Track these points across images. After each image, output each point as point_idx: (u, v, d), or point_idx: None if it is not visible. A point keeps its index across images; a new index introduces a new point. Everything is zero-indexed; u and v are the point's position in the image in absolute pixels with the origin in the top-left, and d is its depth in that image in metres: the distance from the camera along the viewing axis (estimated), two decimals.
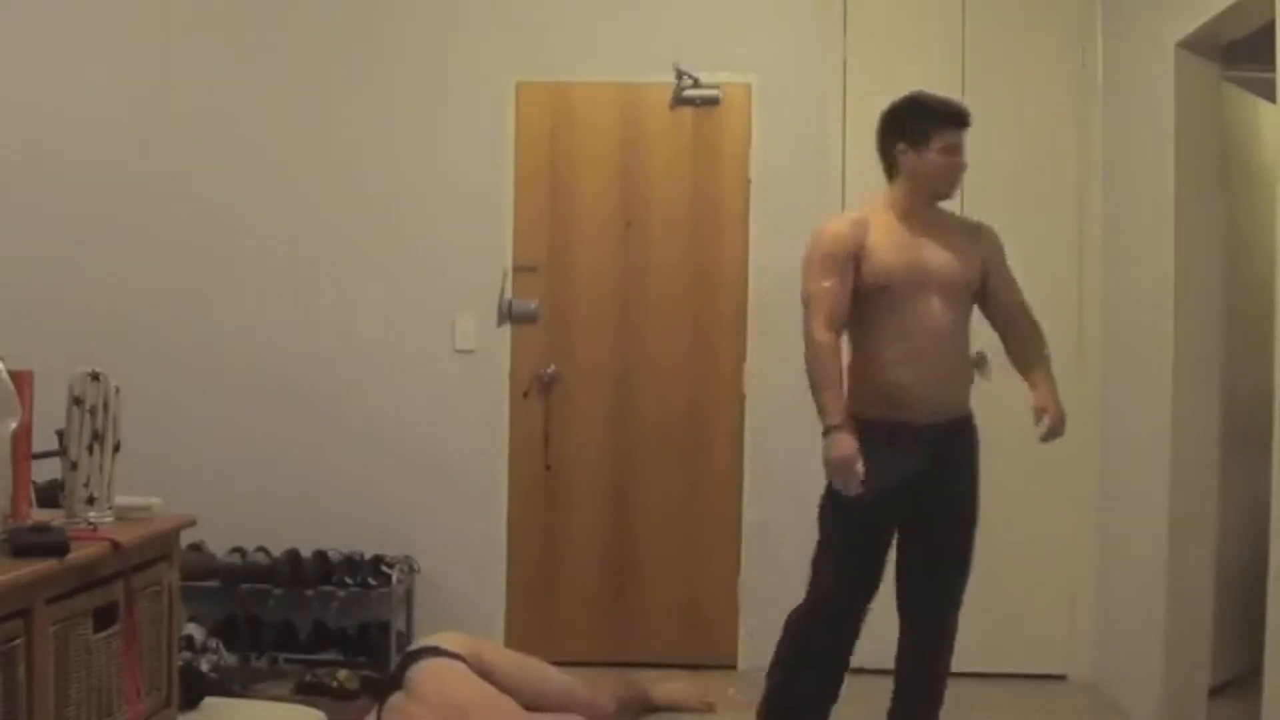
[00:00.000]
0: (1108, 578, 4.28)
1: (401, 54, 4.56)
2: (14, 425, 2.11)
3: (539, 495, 4.55)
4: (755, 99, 4.51)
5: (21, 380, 2.18)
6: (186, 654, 3.69)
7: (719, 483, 4.51)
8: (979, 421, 4.49)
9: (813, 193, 4.49)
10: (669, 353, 4.53)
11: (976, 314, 4.55)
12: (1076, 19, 4.47)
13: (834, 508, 3.13)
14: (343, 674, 4.02)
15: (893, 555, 3.30)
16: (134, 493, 2.49)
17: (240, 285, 4.56)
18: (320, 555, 4.32)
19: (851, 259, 3.03)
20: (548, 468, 4.54)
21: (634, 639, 4.50)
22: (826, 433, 3.02)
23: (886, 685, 4.38)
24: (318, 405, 4.53)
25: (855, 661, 4.49)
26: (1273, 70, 3.16)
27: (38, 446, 2.28)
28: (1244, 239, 4.09)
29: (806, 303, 3.06)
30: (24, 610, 1.92)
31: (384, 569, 4.28)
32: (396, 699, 3.06)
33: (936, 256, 3.08)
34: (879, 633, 4.51)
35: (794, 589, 4.45)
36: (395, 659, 3.72)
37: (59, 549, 2.02)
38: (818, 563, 3.26)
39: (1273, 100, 3.65)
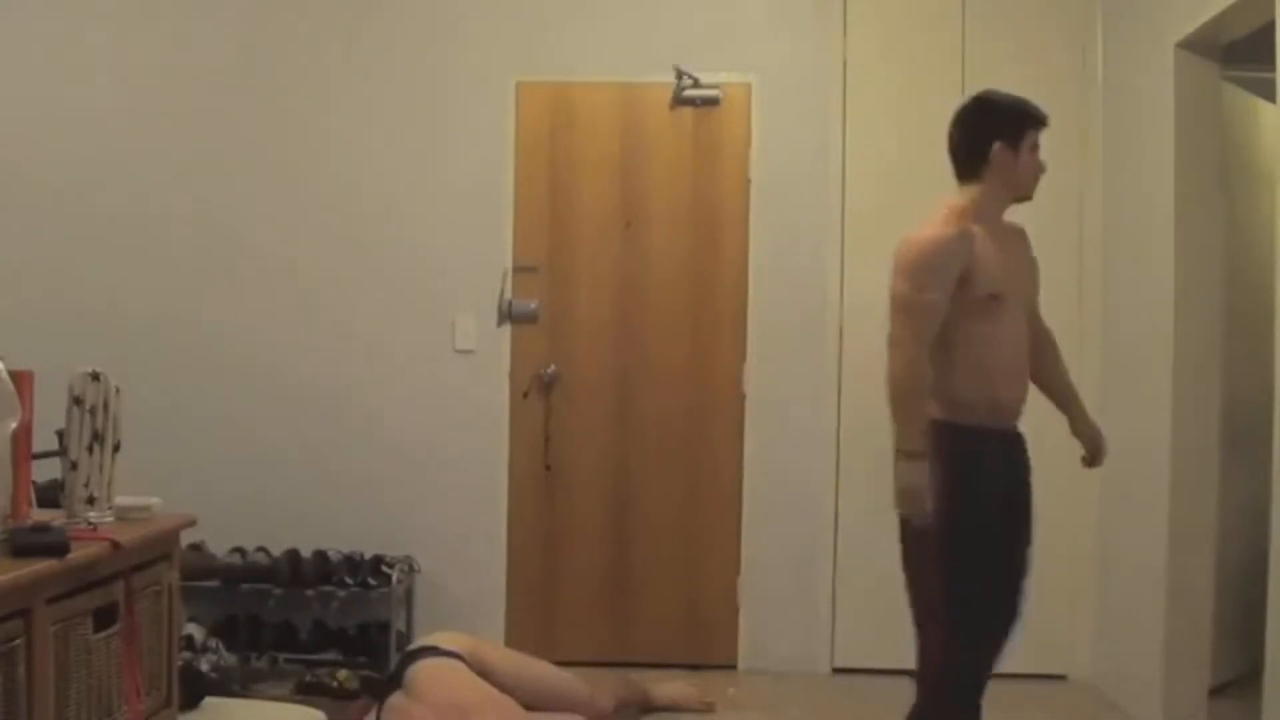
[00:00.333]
0: (1108, 578, 4.29)
1: (402, 54, 4.56)
2: (14, 425, 2.11)
3: (539, 495, 4.55)
4: (755, 99, 4.51)
5: (21, 380, 2.18)
6: (186, 654, 3.69)
7: (719, 483, 4.51)
8: None
9: (813, 193, 4.50)
10: (669, 353, 4.53)
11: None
12: (1076, 19, 4.47)
13: (957, 536, 2.85)
14: (343, 674, 4.01)
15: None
16: (134, 493, 2.49)
17: (241, 286, 4.56)
18: (320, 555, 4.32)
19: (959, 272, 2.88)
20: (548, 468, 4.54)
21: (634, 639, 4.50)
22: (909, 457, 2.85)
23: (888, 686, 4.39)
24: (318, 405, 4.53)
25: (866, 663, 4.50)
26: (1273, 70, 3.16)
27: (38, 446, 2.27)
28: (1244, 239, 4.09)
29: (904, 311, 2.90)
30: (24, 610, 1.92)
31: (384, 569, 4.28)
32: (396, 698, 3.06)
33: (1017, 263, 3.02)
34: (881, 634, 4.52)
35: (794, 588, 4.48)
36: (395, 659, 3.71)
37: (59, 549, 2.02)
38: (952, 605, 2.90)
39: (1273, 100, 3.65)
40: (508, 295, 4.51)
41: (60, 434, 2.32)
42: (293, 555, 4.30)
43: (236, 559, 4.33)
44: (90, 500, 2.32)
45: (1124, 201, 4.25)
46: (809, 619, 4.47)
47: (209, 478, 4.40)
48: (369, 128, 4.56)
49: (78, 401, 2.32)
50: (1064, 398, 3.19)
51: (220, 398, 4.54)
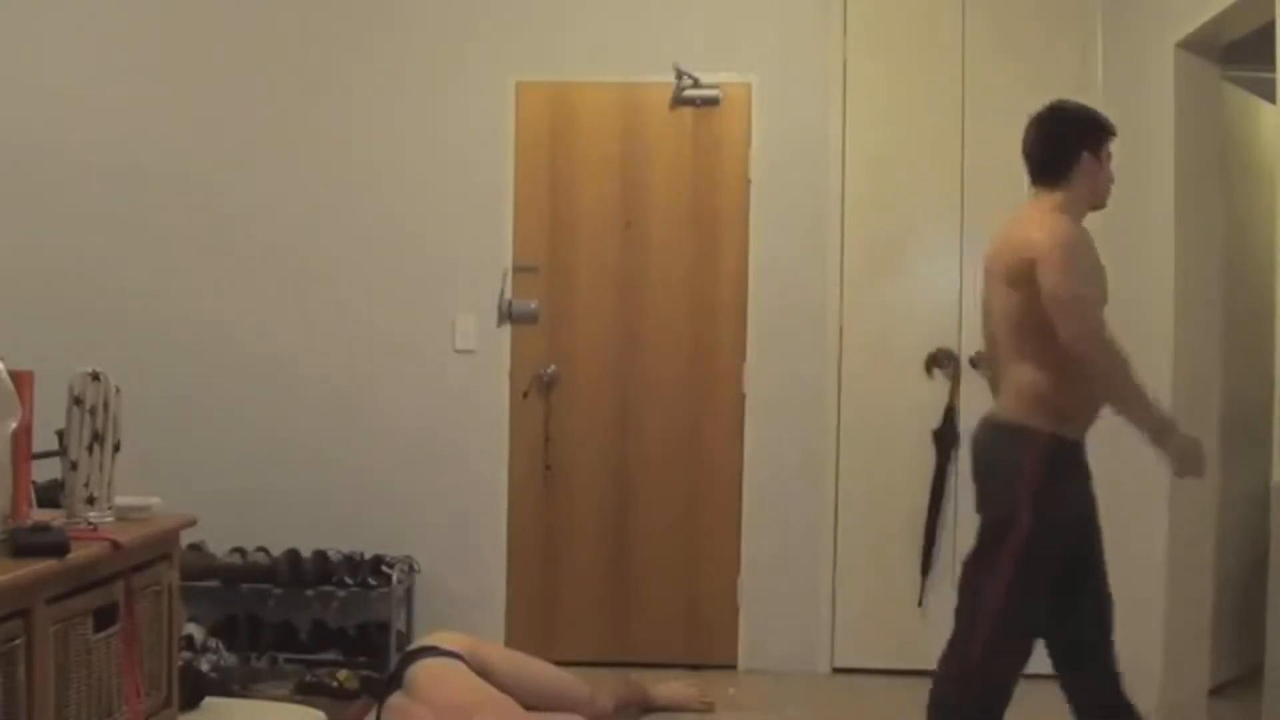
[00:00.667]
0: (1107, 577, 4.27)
1: (402, 54, 4.56)
2: (14, 425, 2.11)
3: (539, 495, 4.54)
4: (755, 99, 4.51)
5: (21, 380, 2.19)
6: (186, 654, 3.69)
7: (719, 483, 4.51)
8: (976, 422, 4.50)
9: (813, 193, 4.50)
10: (669, 353, 4.53)
11: (978, 314, 4.56)
12: (1076, 19, 4.47)
13: (1043, 542, 2.80)
14: (343, 674, 4.01)
15: None
16: (134, 493, 2.49)
17: (241, 286, 4.56)
18: (320, 555, 4.32)
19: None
20: (548, 468, 4.54)
21: (634, 639, 4.50)
22: (1168, 430, 2.75)
23: (888, 686, 4.39)
24: (318, 405, 4.53)
25: (866, 663, 4.50)
26: (1273, 70, 3.16)
27: (38, 446, 2.28)
28: (1244, 239, 4.09)
29: (1076, 302, 2.75)
30: (24, 610, 1.92)
31: (384, 569, 4.27)
32: (396, 699, 3.06)
33: None
34: (881, 634, 4.52)
35: (794, 588, 4.48)
36: (395, 659, 3.71)
37: (59, 549, 2.02)
38: (1007, 611, 2.88)
39: (1273, 100, 3.65)
40: (508, 295, 4.51)
41: (60, 434, 2.32)
42: (293, 555, 4.30)
43: (236, 559, 4.33)
44: (90, 500, 2.32)
45: (1124, 201, 4.24)
46: (809, 619, 4.47)
47: (209, 478, 4.40)
48: (369, 127, 4.56)
49: (78, 401, 2.32)
50: None
51: (220, 398, 4.54)
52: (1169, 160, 3.79)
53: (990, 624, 2.88)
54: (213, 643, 4.11)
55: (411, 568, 4.40)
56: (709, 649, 4.50)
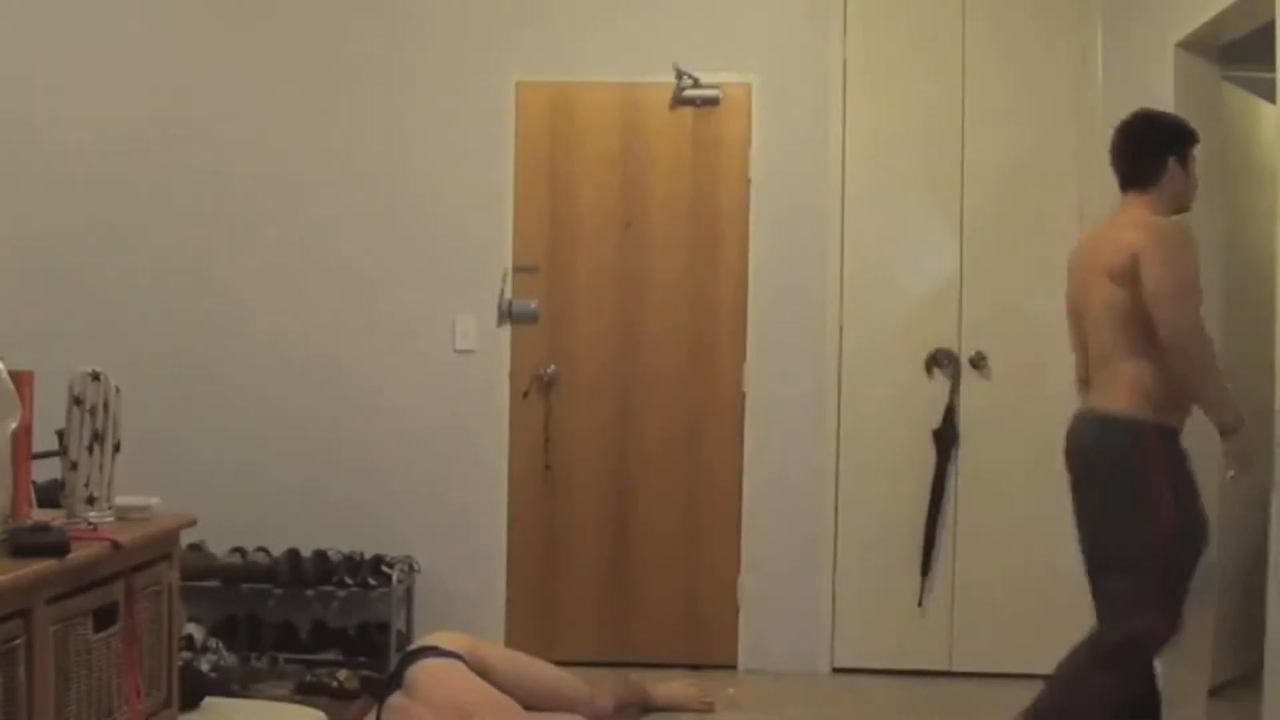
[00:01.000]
0: None
1: (402, 54, 4.56)
2: (14, 425, 2.12)
3: (539, 495, 4.54)
4: (755, 99, 4.51)
5: (21, 380, 2.19)
6: (186, 654, 3.69)
7: (719, 483, 4.51)
8: (976, 422, 4.52)
9: (812, 193, 4.50)
10: (669, 353, 4.53)
11: (978, 314, 4.58)
12: (1076, 19, 4.47)
13: (1191, 529, 2.99)
14: (343, 674, 4.01)
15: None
16: (134, 493, 2.49)
17: (240, 287, 4.56)
18: (320, 555, 4.32)
19: None
20: (548, 468, 4.54)
21: (634, 639, 4.50)
22: (1239, 428, 2.89)
23: (888, 686, 4.39)
24: (319, 405, 4.53)
25: (866, 663, 4.51)
26: (1273, 70, 3.16)
27: (38, 446, 2.28)
28: (1244, 238, 4.09)
29: (1174, 297, 2.87)
30: (24, 610, 1.92)
31: (384, 569, 4.27)
32: (396, 699, 3.06)
33: None
34: (881, 634, 4.53)
35: (794, 588, 4.48)
36: (395, 659, 3.71)
37: (59, 549, 2.02)
38: (1155, 599, 3.04)
39: (1273, 100, 3.65)
40: (508, 295, 4.51)
41: (60, 434, 2.32)
42: (293, 555, 4.31)
43: (236, 559, 4.33)
44: (90, 500, 2.32)
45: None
46: (809, 619, 4.47)
47: (209, 478, 4.40)
48: (369, 127, 4.56)
49: (78, 401, 2.32)
50: None
51: (220, 398, 4.54)
52: None
53: (1148, 611, 3.04)
54: (213, 643, 4.11)
55: (411, 568, 4.40)
56: (709, 649, 4.50)
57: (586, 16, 4.55)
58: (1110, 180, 4.35)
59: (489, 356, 4.52)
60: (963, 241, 4.48)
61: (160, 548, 2.46)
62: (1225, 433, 2.90)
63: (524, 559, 4.54)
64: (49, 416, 2.31)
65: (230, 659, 4.13)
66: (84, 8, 4.58)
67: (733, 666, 4.48)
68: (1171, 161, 3.10)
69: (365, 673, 4.06)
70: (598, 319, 4.54)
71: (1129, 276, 2.92)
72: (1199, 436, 3.11)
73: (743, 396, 4.51)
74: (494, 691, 3.09)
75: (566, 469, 4.54)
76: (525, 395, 4.54)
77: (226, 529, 4.31)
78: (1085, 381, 3.21)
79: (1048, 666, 4.42)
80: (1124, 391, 2.99)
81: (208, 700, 3.01)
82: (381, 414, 4.53)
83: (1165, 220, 3.03)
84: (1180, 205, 3.16)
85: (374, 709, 3.21)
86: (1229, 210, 3.92)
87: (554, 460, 4.53)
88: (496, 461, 4.52)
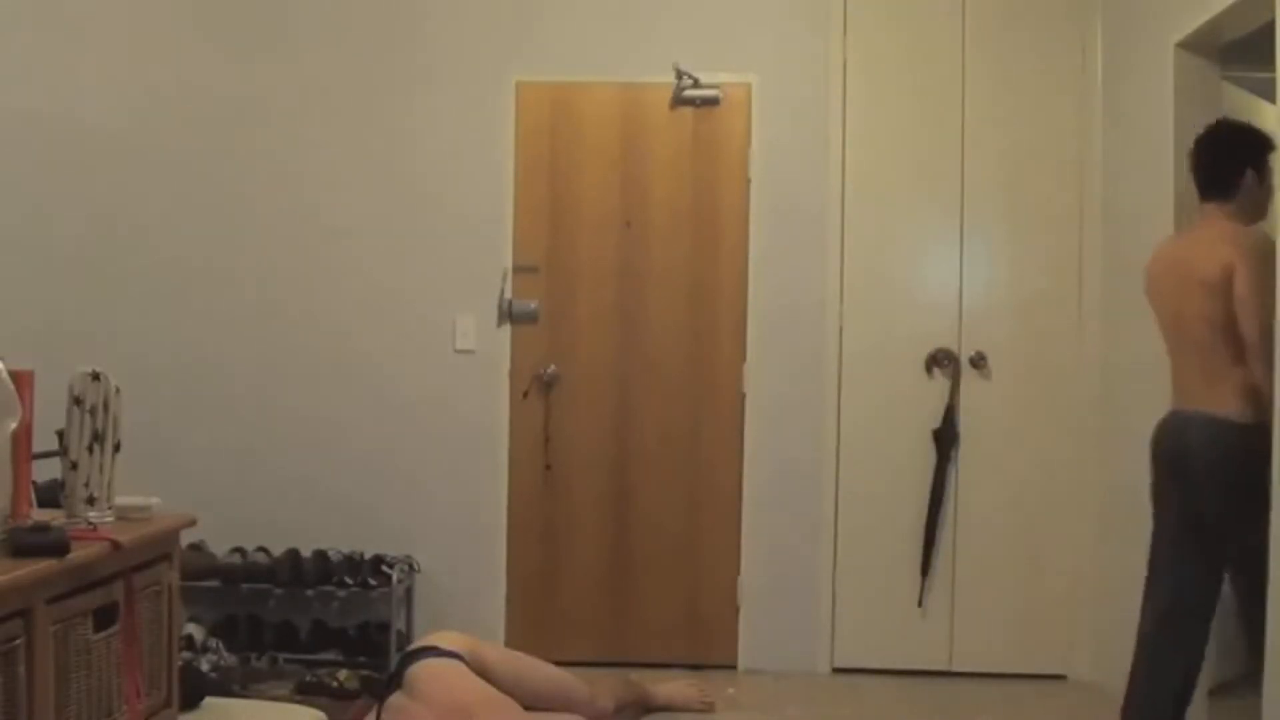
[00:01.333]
0: (1108, 578, 4.28)
1: (402, 54, 4.56)
2: (14, 425, 2.11)
3: (539, 495, 4.55)
4: (755, 99, 4.51)
5: (21, 380, 2.18)
6: (186, 654, 3.70)
7: (719, 482, 4.51)
8: (976, 422, 4.52)
9: (813, 193, 4.50)
10: (669, 352, 4.53)
11: (978, 314, 4.58)
12: (1076, 19, 4.47)
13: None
14: (343, 674, 4.02)
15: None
16: (134, 493, 2.49)
17: (241, 287, 4.56)
18: (320, 555, 4.32)
19: None
20: (548, 468, 4.54)
21: (634, 639, 4.50)
22: None
23: (888, 686, 4.39)
24: (318, 405, 4.53)
25: (866, 663, 4.52)
26: (1273, 70, 3.16)
27: (38, 446, 2.27)
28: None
29: (1268, 301, 2.99)
30: (24, 610, 1.92)
31: (384, 569, 4.28)
32: (396, 699, 3.06)
33: None
34: (881, 634, 4.53)
35: (794, 588, 4.48)
36: (395, 659, 3.71)
37: (59, 549, 2.02)
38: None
39: (1273, 100, 3.64)
40: (508, 295, 4.51)
41: (60, 434, 2.32)
42: (293, 555, 4.31)
43: (236, 559, 4.33)
44: (90, 500, 2.32)
45: (1124, 201, 4.25)
46: (809, 619, 4.47)
47: (209, 478, 4.40)
48: (369, 128, 4.56)
49: (78, 401, 2.32)
50: None
51: (220, 398, 4.54)
52: (1169, 160, 3.78)
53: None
54: (213, 643, 4.11)
55: (411, 568, 4.41)
56: (709, 649, 4.50)
57: (586, 16, 4.55)
58: (1111, 179, 4.38)
59: (489, 356, 4.52)
60: (963, 241, 4.48)
61: (160, 548, 2.45)
62: None
63: (524, 559, 4.54)
64: (49, 416, 2.31)
65: (230, 659, 4.13)
66: (88, 18, 4.58)
67: (733, 666, 4.48)
68: (1249, 173, 3.19)
69: (365, 673, 4.06)
70: (598, 319, 4.54)
71: (1224, 288, 3.04)
72: None
73: (742, 396, 4.51)
74: (494, 691, 3.09)
75: (566, 468, 4.54)
76: (525, 395, 4.54)
77: (226, 529, 4.32)
78: (1181, 387, 3.25)
79: (1047, 666, 4.45)
80: (1234, 396, 3.07)
81: (208, 700, 3.00)
82: (382, 414, 4.53)
83: (1254, 231, 3.15)
84: (1259, 213, 3.24)
85: (374, 709, 3.21)
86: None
87: (554, 460, 4.53)
88: (496, 461, 4.52)
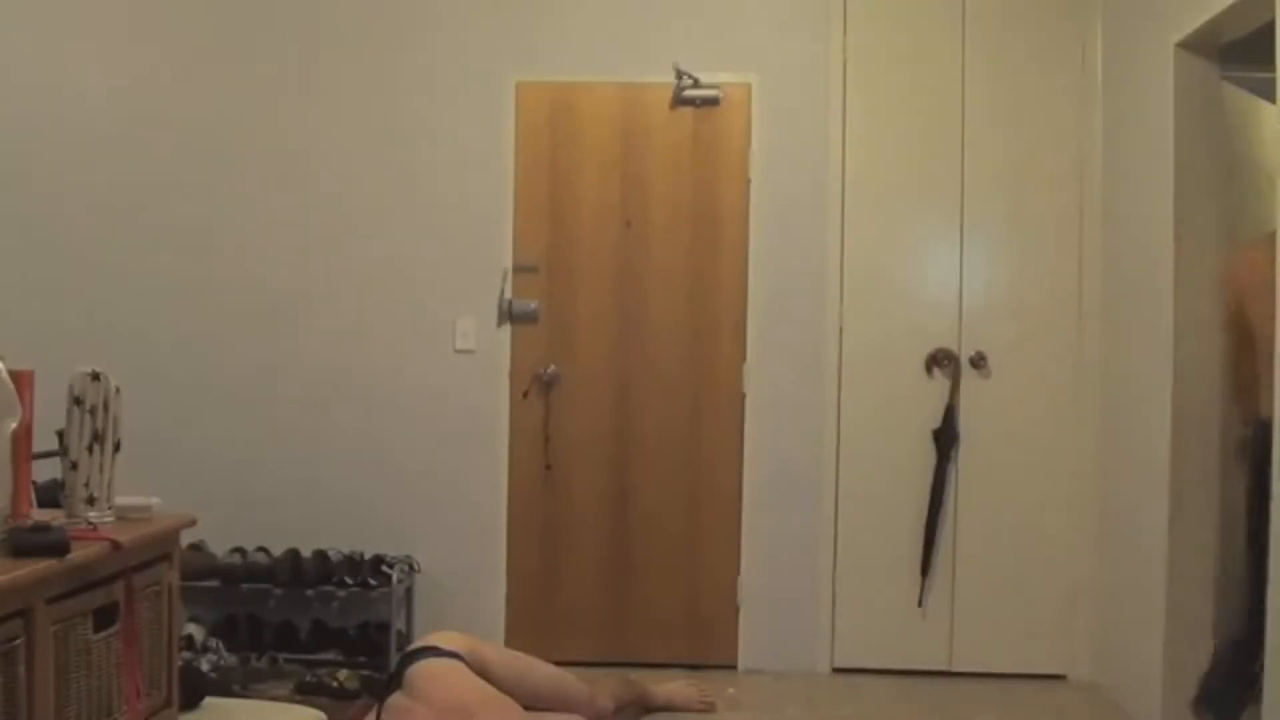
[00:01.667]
0: (1108, 578, 4.29)
1: (401, 54, 4.56)
2: (14, 425, 2.11)
3: (539, 495, 4.55)
4: (755, 99, 4.51)
5: (21, 380, 2.18)
6: (186, 654, 3.70)
7: (719, 482, 4.51)
8: (977, 422, 4.52)
9: (812, 193, 4.50)
10: (669, 352, 4.53)
11: (978, 314, 4.58)
12: (1076, 19, 4.47)
13: None
14: (343, 674, 4.02)
15: None
16: (134, 493, 2.49)
17: (241, 286, 4.56)
18: (320, 555, 4.32)
19: None
20: (548, 468, 4.54)
21: (634, 639, 4.50)
22: None
23: (888, 686, 4.39)
24: (318, 406, 4.53)
25: (866, 663, 4.52)
26: (1273, 70, 3.16)
27: (38, 446, 2.27)
28: (1244, 239, 4.09)
29: None
30: (24, 610, 1.92)
31: (384, 569, 4.28)
32: (396, 699, 3.06)
33: None
34: (881, 634, 4.53)
35: (794, 588, 4.48)
36: (395, 659, 3.71)
37: (59, 549, 2.02)
38: None
39: (1273, 100, 3.64)
40: (508, 295, 4.51)
41: (60, 434, 2.32)
42: (293, 555, 4.31)
43: (236, 559, 4.33)
44: (90, 500, 2.32)
45: (1124, 201, 4.25)
46: (809, 619, 4.47)
47: (209, 478, 4.41)
48: (369, 128, 4.56)
49: (78, 401, 2.32)
50: None
51: (220, 398, 4.54)
52: (1169, 160, 3.79)
53: None
54: (213, 643, 4.11)
55: (411, 568, 4.41)
56: (709, 649, 4.50)
57: (586, 16, 4.55)
58: (1111, 179, 4.37)
59: (489, 356, 4.52)
60: (963, 241, 4.48)
61: (160, 548, 2.45)
62: None
63: (524, 559, 4.54)
64: (49, 416, 2.31)
65: (230, 659, 4.13)
66: (88, 20, 4.58)
67: (733, 666, 4.48)
68: None
69: (365, 673, 4.07)
70: (598, 319, 4.54)
71: None
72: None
73: (742, 397, 4.51)
74: (494, 691, 3.09)
75: (566, 468, 4.54)
76: (525, 395, 4.54)
77: (226, 529, 4.32)
78: (1251, 387, 3.22)
79: (1047, 666, 4.45)
80: None
81: (208, 700, 3.00)
82: (382, 414, 4.53)
83: None
84: None
85: (374, 709, 3.21)
86: (1229, 210, 3.91)
87: (554, 460, 4.53)
88: (496, 462, 4.52)
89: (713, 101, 4.51)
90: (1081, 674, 4.40)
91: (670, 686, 3.95)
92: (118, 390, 2.39)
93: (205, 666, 3.84)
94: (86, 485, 2.32)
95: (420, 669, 3.06)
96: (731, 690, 4.21)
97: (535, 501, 4.55)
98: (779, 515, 4.48)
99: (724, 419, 4.52)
